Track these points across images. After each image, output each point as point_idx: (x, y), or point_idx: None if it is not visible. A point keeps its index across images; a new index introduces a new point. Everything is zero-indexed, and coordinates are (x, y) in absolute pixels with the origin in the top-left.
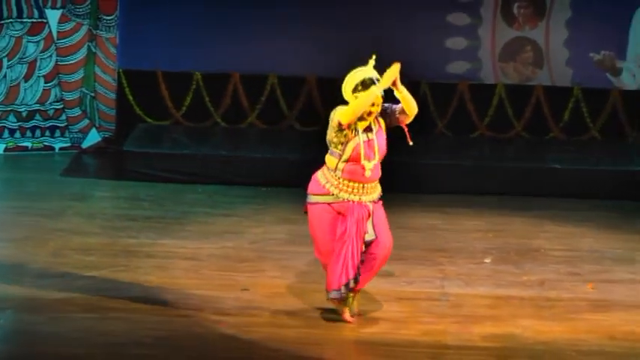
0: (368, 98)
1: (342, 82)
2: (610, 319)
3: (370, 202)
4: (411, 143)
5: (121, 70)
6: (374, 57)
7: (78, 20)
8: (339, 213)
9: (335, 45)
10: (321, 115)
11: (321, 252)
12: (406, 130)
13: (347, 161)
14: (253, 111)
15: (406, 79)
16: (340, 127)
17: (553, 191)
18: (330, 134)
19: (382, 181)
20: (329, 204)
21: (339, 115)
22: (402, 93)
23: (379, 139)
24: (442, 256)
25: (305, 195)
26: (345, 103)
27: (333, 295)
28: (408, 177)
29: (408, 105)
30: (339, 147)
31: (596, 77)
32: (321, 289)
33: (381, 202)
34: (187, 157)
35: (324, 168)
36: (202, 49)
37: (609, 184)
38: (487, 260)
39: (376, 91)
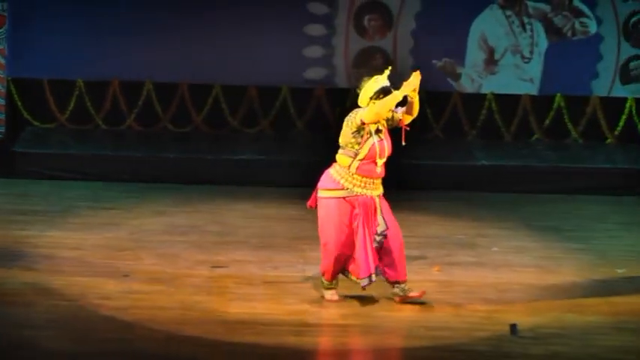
0: (392, 101)
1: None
2: (455, 297)
3: (377, 195)
4: (404, 143)
5: (9, 79)
6: (390, 68)
7: None
8: (352, 206)
9: (207, 53)
10: (194, 118)
11: (328, 244)
12: (404, 130)
13: (362, 159)
14: (131, 114)
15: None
16: (361, 126)
17: (403, 184)
18: (347, 136)
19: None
20: (343, 198)
21: (361, 115)
22: (415, 98)
23: (387, 140)
24: (303, 243)
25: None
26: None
27: (364, 282)
28: (274, 173)
29: (415, 108)
30: (356, 147)
31: (439, 82)
32: (193, 274)
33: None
34: (71, 157)
35: (336, 165)
36: (84, 59)
37: (451, 177)
38: None
39: (399, 96)
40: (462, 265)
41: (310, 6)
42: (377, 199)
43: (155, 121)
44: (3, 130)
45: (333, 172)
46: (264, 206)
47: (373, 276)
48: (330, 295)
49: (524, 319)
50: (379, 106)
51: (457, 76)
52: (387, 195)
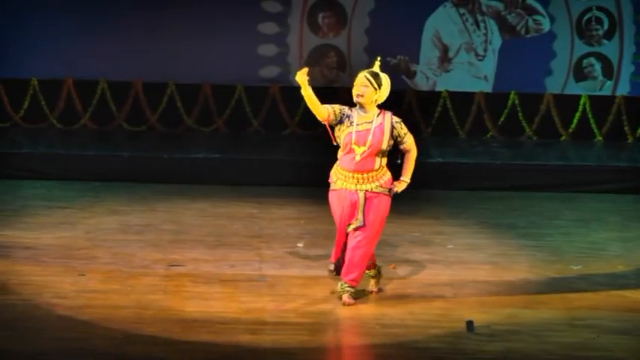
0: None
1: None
2: (410, 295)
3: (363, 191)
4: (398, 161)
5: None
6: (379, 58)
7: None
8: (340, 199)
9: (161, 51)
10: (149, 117)
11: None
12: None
13: (343, 150)
14: (86, 113)
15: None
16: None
17: None
18: (336, 130)
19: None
20: (335, 191)
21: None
22: (305, 92)
23: (375, 133)
24: (260, 241)
25: None
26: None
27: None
28: (229, 171)
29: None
30: (339, 140)
31: (393, 80)
32: (149, 273)
33: (382, 196)
34: (25, 156)
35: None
36: (38, 58)
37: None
38: (300, 245)
39: (303, 93)
40: (417, 263)
41: (264, 4)
42: (360, 194)
43: (110, 120)
44: None
45: (333, 168)
46: (219, 205)
47: (332, 265)
48: (345, 297)
49: (480, 316)
50: (309, 106)
51: (412, 74)
52: None
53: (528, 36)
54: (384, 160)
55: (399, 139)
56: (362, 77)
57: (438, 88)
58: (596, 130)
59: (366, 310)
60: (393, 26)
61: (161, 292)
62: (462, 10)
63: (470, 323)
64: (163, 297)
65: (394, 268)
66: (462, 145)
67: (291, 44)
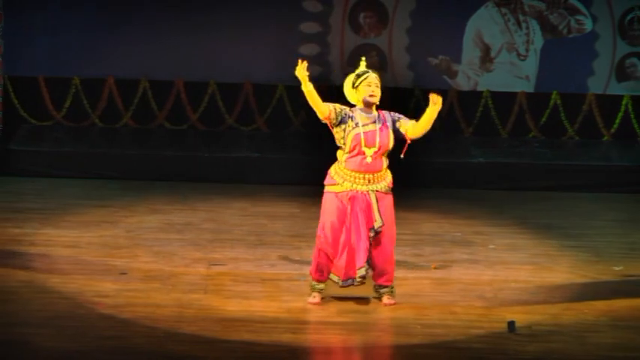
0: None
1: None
2: (451, 295)
3: (373, 191)
4: (402, 156)
5: (6, 77)
6: (364, 58)
7: None
8: (342, 204)
9: (202, 51)
10: (190, 116)
11: (326, 238)
12: (407, 144)
13: (349, 152)
14: (127, 112)
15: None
16: (328, 121)
17: (399, 182)
18: (336, 132)
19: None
20: (336, 194)
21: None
22: (432, 114)
23: (382, 133)
24: (300, 240)
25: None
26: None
27: (358, 277)
28: (270, 170)
29: (429, 121)
30: (342, 141)
31: (434, 79)
32: (189, 272)
33: (389, 196)
34: (67, 154)
35: (337, 162)
36: (81, 57)
37: (447, 174)
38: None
39: (304, 89)
40: (458, 263)
41: (305, 4)
42: (372, 195)
43: (151, 119)
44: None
45: (331, 169)
46: (260, 204)
47: (363, 270)
48: (311, 298)
49: (521, 316)
50: (310, 103)
51: (453, 74)
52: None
53: (570, 36)
54: (387, 161)
55: (398, 125)
56: (373, 77)
57: (479, 88)
58: (638, 131)
59: (407, 310)
60: (435, 26)
61: (202, 291)
62: (503, 10)
63: (511, 323)
64: (204, 296)
65: (435, 268)
66: (503, 145)
67: (333, 44)
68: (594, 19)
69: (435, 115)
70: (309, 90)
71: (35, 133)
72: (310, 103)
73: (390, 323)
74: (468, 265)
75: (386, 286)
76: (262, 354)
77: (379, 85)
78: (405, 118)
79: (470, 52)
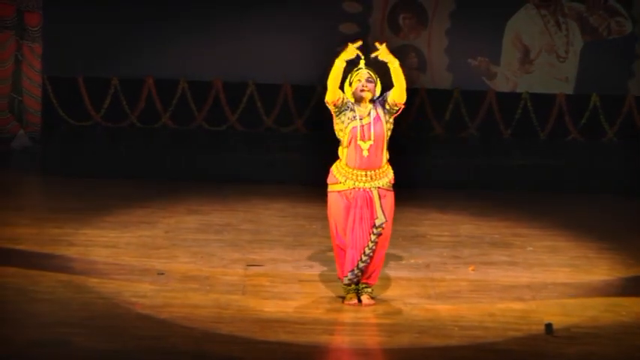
0: (334, 70)
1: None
2: (488, 297)
3: (375, 188)
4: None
5: (45, 77)
6: (363, 58)
7: (6, 31)
8: (347, 201)
9: (242, 51)
10: (229, 117)
11: (336, 238)
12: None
13: (348, 146)
14: (166, 112)
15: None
16: (330, 107)
17: (437, 183)
18: (335, 124)
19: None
20: (339, 192)
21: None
22: (393, 64)
23: (376, 124)
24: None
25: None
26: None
27: (345, 281)
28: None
29: (398, 75)
30: (341, 133)
31: (474, 81)
32: (227, 272)
33: (390, 193)
34: (106, 155)
35: (338, 160)
36: (119, 57)
37: (485, 176)
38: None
39: (337, 63)
40: (496, 265)
41: (345, 5)
42: (374, 192)
43: (190, 120)
44: (39, 129)
45: (333, 167)
46: (299, 205)
47: (351, 274)
48: (347, 299)
49: (559, 318)
50: (329, 79)
51: (492, 75)
52: (421, 194)
53: (610, 38)
54: (387, 155)
55: (387, 101)
56: (364, 72)
57: (518, 90)
58: None
59: (444, 311)
60: (474, 27)
61: (239, 292)
62: (543, 12)
63: (549, 326)
64: (242, 297)
65: (473, 270)
66: (542, 147)
67: (371, 45)
68: (634, 21)
69: (398, 70)
70: (339, 65)
71: (74, 133)
72: (330, 77)
73: (428, 325)
74: (506, 267)
75: (369, 286)
76: (300, 355)
77: (373, 80)
78: (389, 91)
79: (509, 53)
